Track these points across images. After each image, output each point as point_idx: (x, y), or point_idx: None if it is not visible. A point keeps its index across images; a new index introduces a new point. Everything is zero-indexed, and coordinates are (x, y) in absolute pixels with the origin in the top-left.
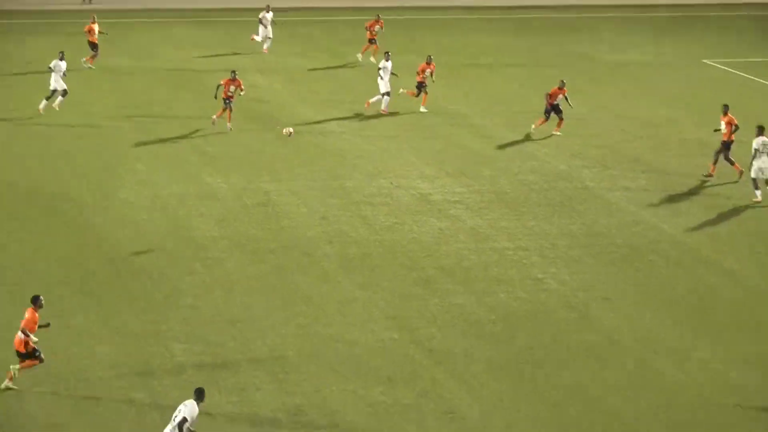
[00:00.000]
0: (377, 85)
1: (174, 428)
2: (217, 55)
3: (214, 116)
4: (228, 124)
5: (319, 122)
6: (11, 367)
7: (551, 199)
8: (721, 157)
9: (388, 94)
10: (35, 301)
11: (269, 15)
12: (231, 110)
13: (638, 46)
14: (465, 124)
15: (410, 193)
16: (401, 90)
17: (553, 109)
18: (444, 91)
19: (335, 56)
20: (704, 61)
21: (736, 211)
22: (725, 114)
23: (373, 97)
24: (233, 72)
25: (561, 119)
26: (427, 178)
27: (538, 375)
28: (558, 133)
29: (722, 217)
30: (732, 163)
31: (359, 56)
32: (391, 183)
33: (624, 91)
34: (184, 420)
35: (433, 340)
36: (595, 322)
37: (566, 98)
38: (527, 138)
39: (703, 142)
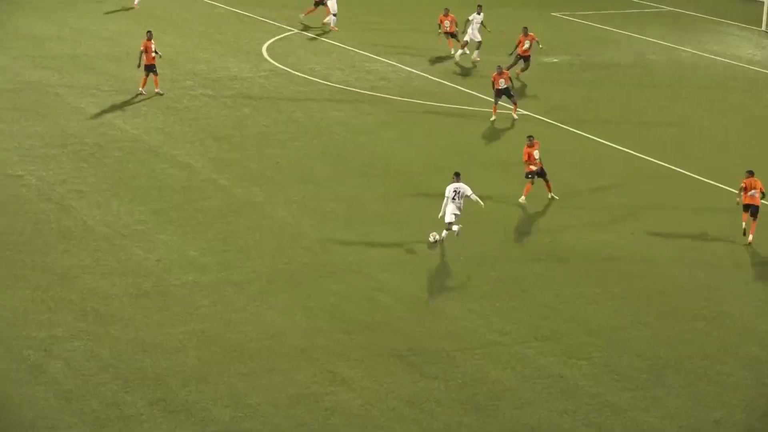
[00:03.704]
0: None
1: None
2: None
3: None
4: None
5: None
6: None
7: (21, 106)
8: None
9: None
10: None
11: None
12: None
13: None
14: None
15: None
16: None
17: None
18: None
19: None
20: None
21: (189, 112)
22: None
23: None
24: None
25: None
26: None
27: (25, 259)
28: None
29: (177, 120)
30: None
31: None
32: None
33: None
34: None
35: None
36: (72, 212)
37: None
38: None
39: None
